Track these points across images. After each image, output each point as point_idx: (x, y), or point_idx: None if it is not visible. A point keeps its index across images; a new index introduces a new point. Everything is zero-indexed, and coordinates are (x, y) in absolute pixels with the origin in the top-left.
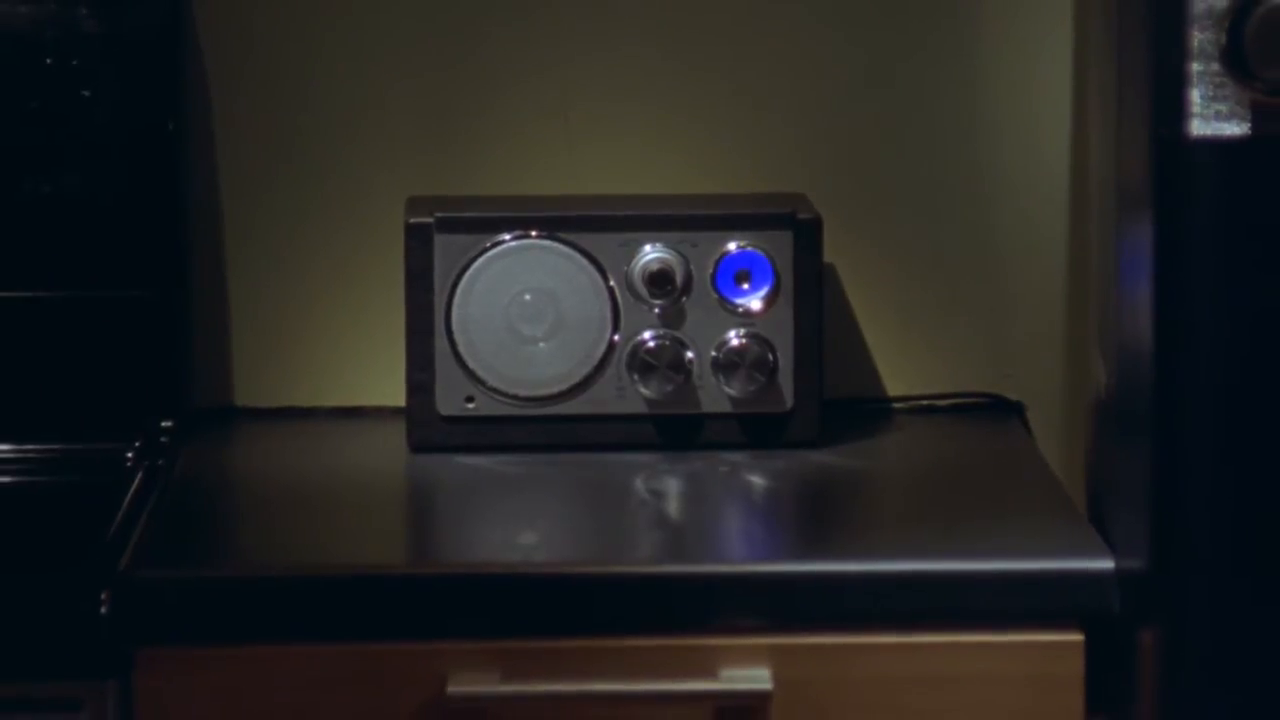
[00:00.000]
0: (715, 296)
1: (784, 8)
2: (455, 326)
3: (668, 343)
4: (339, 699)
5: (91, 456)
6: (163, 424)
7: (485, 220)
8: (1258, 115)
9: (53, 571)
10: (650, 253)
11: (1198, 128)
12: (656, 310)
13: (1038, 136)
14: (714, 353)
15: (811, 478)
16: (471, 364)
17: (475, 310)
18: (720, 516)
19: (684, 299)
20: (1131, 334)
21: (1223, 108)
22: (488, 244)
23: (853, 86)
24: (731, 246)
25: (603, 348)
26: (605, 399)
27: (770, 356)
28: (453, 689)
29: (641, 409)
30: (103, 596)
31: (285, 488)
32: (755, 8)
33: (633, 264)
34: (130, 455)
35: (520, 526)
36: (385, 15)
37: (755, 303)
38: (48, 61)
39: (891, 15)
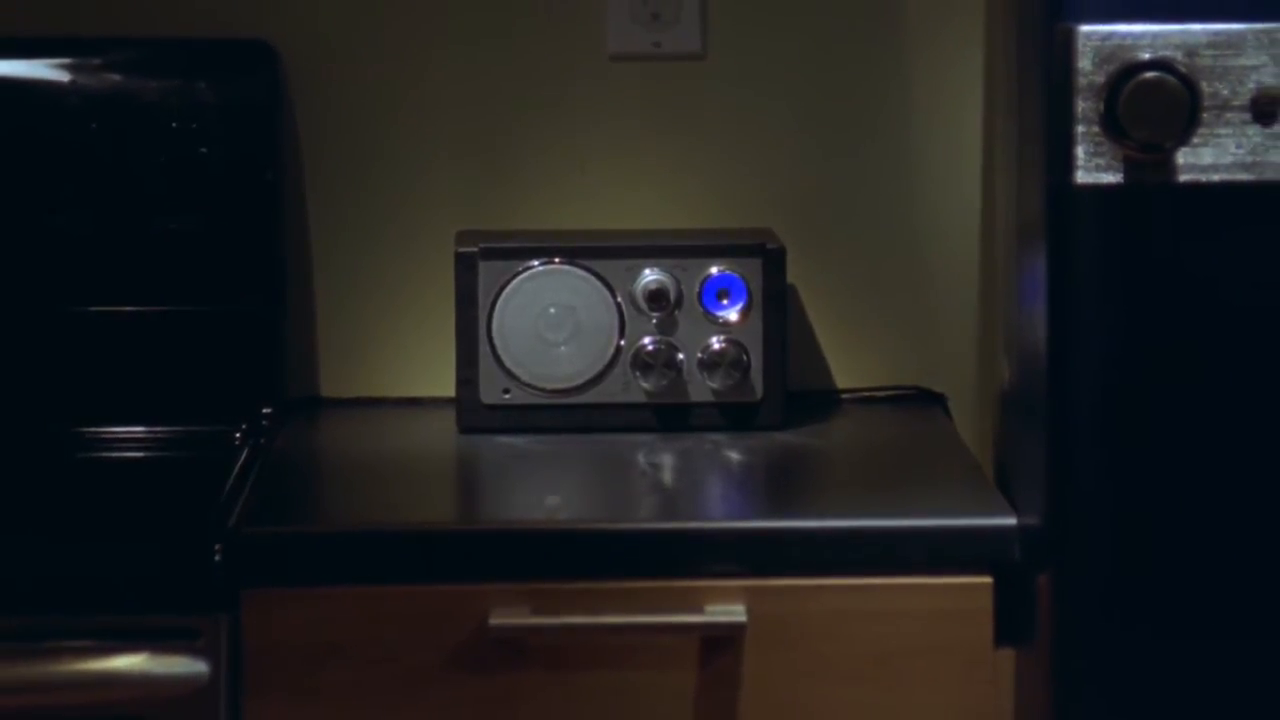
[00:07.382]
0: (701, 310)
1: (751, 89)
2: (495, 333)
3: (663, 346)
4: (401, 629)
5: (206, 437)
6: (263, 411)
7: (519, 250)
8: (1130, 167)
9: (175, 528)
10: (649, 275)
11: (1081, 177)
12: (654, 320)
13: (956, 182)
14: (700, 354)
15: (777, 454)
16: (508, 363)
17: (511, 321)
18: (705, 484)
19: (676, 312)
20: (1030, 340)
21: (1102, 161)
22: (520, 269)
23: (808, 147)
24: (714, 270)
25: (611, 350)
26: (613, 391)
27: (744, 357)
28: (493, 621)
29: (642, 399)
30: (216, 548)
31: (360, 461)
32: (728, 90)
33: (635, 284)
34: (237, 436)
35: (547, 492)
36: (442, 91)
37: (733, 315)
38: (173, 125)
39: (835, 91)
